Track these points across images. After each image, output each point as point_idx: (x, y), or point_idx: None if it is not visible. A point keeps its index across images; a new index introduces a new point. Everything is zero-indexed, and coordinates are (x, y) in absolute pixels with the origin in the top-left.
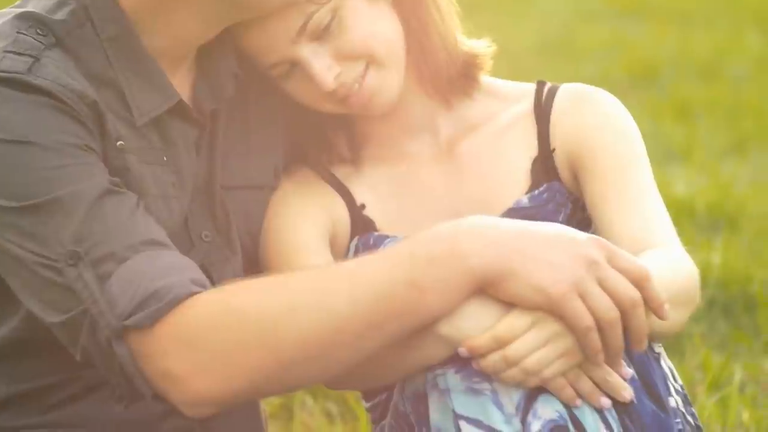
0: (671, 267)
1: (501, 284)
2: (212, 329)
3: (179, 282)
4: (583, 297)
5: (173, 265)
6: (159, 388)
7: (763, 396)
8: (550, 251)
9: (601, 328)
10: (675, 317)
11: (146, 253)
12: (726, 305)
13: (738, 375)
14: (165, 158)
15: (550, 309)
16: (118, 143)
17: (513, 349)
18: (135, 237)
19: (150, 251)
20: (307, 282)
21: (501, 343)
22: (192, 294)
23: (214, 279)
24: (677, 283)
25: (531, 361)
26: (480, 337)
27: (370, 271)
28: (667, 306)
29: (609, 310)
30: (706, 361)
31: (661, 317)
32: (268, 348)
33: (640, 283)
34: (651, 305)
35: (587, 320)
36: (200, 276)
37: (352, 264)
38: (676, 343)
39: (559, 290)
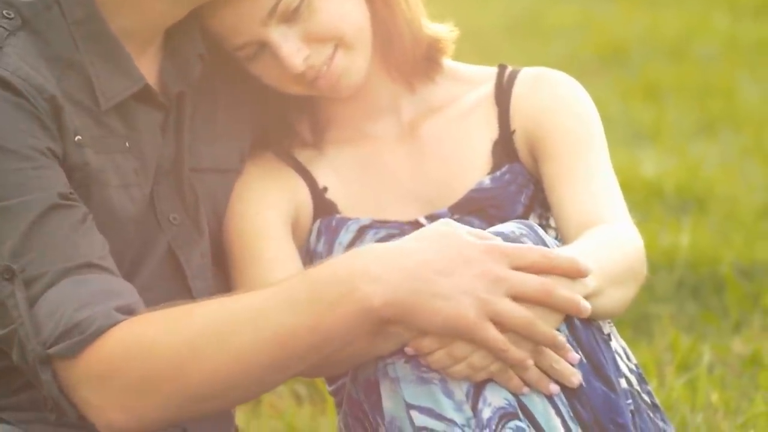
0: (612, 245)
1: (409, 323)
2: (123, 366)
3: (103, 312)
4: (493, 318)
5: (100, 292)
6: (82, 413)
7: (731, 377)
8: (450, 281)
9: (525, 335)
10: (620, 295)
11: (76, 277)
12: (694, 286)
13: (706, 356)
14: (127, 144)
15: (463, 338)
16: (77, 138)
17: (458, 347)
18: (70, 259)
19: (81, 275)
20: (212, 321)
21: (445, 342)
22: (115, 324)
23: (182, 261)
24: (619, 261)
25: (477, 357)
26: (425, 338)
27: (273, 316)
28: (581, 264)
29: (523, 319)
30: (674, 342)
31: (582, 272)
32: (176, 384)
33: (548, 268)
34: (570, 275)
35: (499, 344)
36: (127, 300)
37: (256, 302)
38: (644, 324)
39: (466, 323)
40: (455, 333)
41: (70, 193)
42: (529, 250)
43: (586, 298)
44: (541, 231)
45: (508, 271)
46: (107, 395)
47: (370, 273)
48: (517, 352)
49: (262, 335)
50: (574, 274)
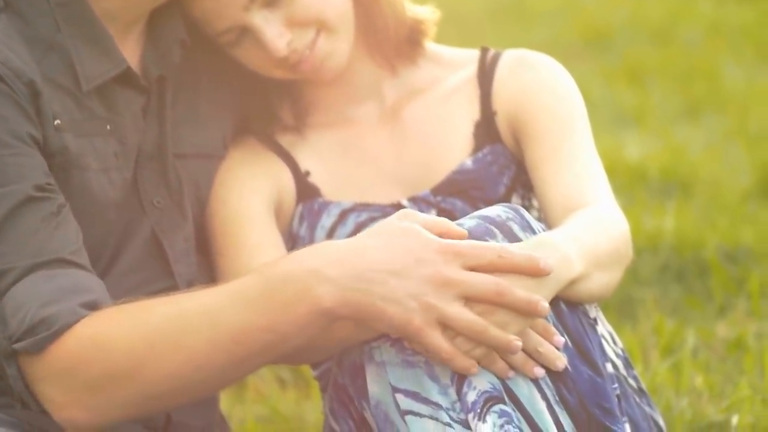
0: (598, 228)
1: (363, 322)
2: (82, 363)
3: (68, 309)
4: (442, 323)
5: (67, 288)
6: (44, 407)
7: (716, 361)
8: (399, 283)
9: (475, 340)
10: (606, 279)
11: (45, 272)
12: (679, 270)
13: (691, 340)
14: (108, 127)
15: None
16: (56, 122)
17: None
18: (39, 254)
19: (50, 270)
20: (169, 319)
21: None
22: (79, 320)
23: (165, 245)
24: (605, 245)
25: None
26: None
27: (228, 315)
28: (542, 262)
29: (472, 324)
30: (658, 326)
31: (543, 271)
32: (134, 382)
33: (506, 268)
34: (530, 274)
35: (442, 353)
36: (93, 296)
37: (211, 300)
38: (628, 308)
39: (411, 328)
40: (403, 336)
41: (47, 184)
42: (485, 250)
43: (573, 282)
44: (527, 215)
45: (460, 273)
46: (66, 392)
47: (323, 273)
48: (462, 361)
49: (217, 333)
50: (534, 273)
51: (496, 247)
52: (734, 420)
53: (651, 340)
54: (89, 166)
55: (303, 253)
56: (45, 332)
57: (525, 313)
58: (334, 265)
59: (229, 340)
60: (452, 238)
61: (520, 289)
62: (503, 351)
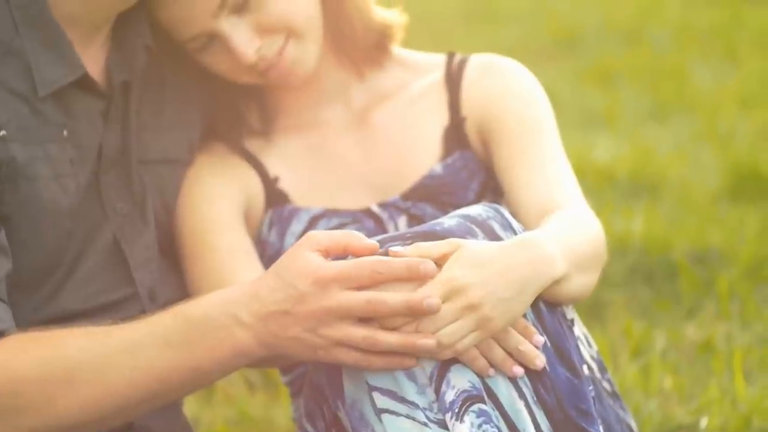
0: (577, 230)
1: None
2: None
3: None
4: (343, 344)
5: None
6: None
7: (684, 363)
8: (294, 322)
9: (371, 350)
10: (585, 280)
11: None
12: (647, 272)
13: (660, 342)
14: (65, 133)
15: None
16: (1, 133)
17: (426, 323)
18: None
19: None
20: (87, 355)
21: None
22: None
23: (125, 252)
24: (584, 246)
25: (444, 334)
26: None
27: (150, 354)
28: (421, 266)
29: (364, 340)
30: (627, 328)
31: (426, 275)
32: (44, 414)
33: (380, 280)
34: (410, 279)
35: (359, 363)
36: (1, 326)
37: (132, 339)
38: (597, 310)
39: (322, 357)
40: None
41: None
42: (360, 269)
43: (555, 282)
44: (507, 214)
45: (335, 299)
46: None
47: (239, 318)
48: (382, 364)
49: (138, 372)
50: (417, 278)
51: (372, 263)
52: (703, 422)
53: (620, 342)
54: (39, 175)
55: (219, 297)
56: None
57: (413, 315)
58: (245, 310)
59: (151, 378)
60: (359, 249)
61: (394, 295)
62: (413, 352)
